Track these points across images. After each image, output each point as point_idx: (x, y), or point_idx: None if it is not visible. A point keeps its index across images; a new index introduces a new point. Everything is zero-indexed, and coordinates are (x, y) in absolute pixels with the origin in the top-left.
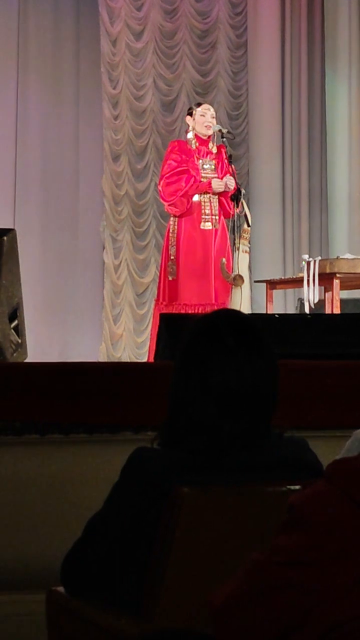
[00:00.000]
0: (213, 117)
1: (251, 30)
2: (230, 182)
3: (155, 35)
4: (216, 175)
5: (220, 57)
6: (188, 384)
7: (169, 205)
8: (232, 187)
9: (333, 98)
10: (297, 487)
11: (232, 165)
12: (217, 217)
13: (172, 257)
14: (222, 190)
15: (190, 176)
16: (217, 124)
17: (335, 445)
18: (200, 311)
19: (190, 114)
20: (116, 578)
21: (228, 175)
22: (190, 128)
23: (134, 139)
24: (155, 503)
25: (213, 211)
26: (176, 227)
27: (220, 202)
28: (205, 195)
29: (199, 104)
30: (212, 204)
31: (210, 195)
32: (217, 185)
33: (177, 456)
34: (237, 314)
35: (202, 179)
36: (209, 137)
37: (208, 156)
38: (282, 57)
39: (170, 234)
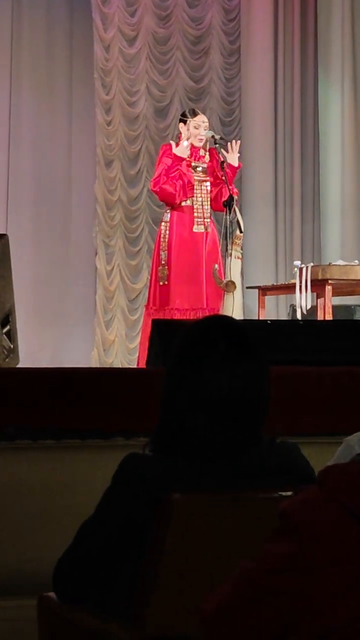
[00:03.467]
0: (206, 129)
1: (244, 36)
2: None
3: (149, 41)
4: (208, 177)
5: (213, 64)
6: (180, 389)
7: (160, 191)
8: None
9: (326, 104)
10: (289, 493)
11: (227, 169)
12: (208, 221)
13: (163, 262)
14: (186, 150)
15: (181, 176)
16: (209, 130)
17: (326, 451)
18: (191, 316)
19: (184, 121)
20: (108, 584)
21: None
22: (184, 136)
23: (126, 144)
24: (146, 509)
25: (205, 214)
26: (167, 231)
27: (212, 203)
28: (197, 199)
29: (194, 112)
30: (204, 208)
31: (202, 199)
32: (183, 149)
33: (169, 462)
34: (229, 320)
35: (195, 182)
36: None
37: (200, 160)
38: (275, 64)
39: (162, 239)
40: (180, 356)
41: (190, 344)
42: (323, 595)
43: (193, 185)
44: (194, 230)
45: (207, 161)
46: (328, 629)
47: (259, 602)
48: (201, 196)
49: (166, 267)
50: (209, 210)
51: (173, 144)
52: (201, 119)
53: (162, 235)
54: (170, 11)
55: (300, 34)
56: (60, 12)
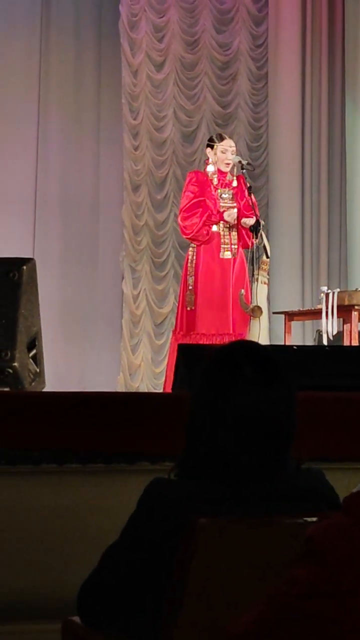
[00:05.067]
0: (233, 153)
1: (272, 62)
2: (249, 221)
3: (176, 66)
4: (234, 204)
5: (240, 89)
6: (206, 414)
7: (190, 238)
8: (250, 222)
9: (353, 130)
10: (315, 519)
11: (252, 196)
12: (235, 247)
13: (190, 287)
14: (232, 220)
15: (205, 210)
16: (237, 155)
17: (352, 477)
18: (217, 341)
19: (211, 146)
20: (132, 609)
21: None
22: (211, 161)
23: (154, 169)
24: (172, 534)
25: (232, 240)
26: (195, 257)
27: (239, 232)
28: (224, 225)
29: (221, 137)
30: (231, 234)
31: (230, 225)
32: (229, 216)
33: (195, 487)
34: (255, 345)
35: (221, 209)
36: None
37: (227, 187)
38: (303, 89)
39: (189, 264)
40: (205, 381)
41: (216, 369)
42: (350, 620)
43: (219, 212)
44: (221, 256)
45: (234, 186)
46: None
47: (286, 627)
48: (228, 222)
49: (193, 292)
50: (235, 236)
51: (197, 175)
52: (228, 144)
53: (189, 261)
54: (198, 37)
55: (328, 59)
56: (88, 37)
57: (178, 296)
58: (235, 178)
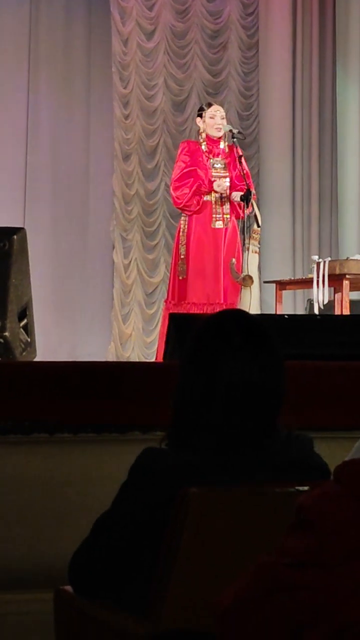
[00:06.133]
0: (223, 118)
1: (262, 30)
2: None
3: (167, 35)
4: (227, 173)
5: (231, 57)
6: (195, 383)
7: (180, 208)
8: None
9: (344, 98)
10: (306, 487)
11: (245, 164)
12: (228, 216)
13: (182, 257)
14: (222, 190)
15: (196, 180)
16: (227, 124)
17: (343, 447)
18: (208, 311)
19: (200, 115)
20: (123, 578)
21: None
22: (201, 130)
23: (144, 138)
24: (163, 503)
25: (224, 210)
26: (186, 226)
27: (232, 202)
28: (216, 195)
29: (209, 104)
30: (224, 204)
31: (222, 195)
32: (218, 186)
33: (185, 456)
34: (244, 313)
35: (212, 178)
36: (220, 136)
37: (219, 155)
38: (294, 58)
39: (181, 234)
40: (195, 350)
41: (205, 338)
42: (341, 589)
43: (210, 182)
44: (213, 226)
45: (226, 153)
46: (347, 622)
47: (275, 596)
48: (220, 192)
49: (185, 261)
50: (228, 207)
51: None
52: (216, 109)
53: (181, 230)
54: (189, 5)
55: (319, 28)
56: (78, 6)
57: (170, 266)
58: (227, 146)
